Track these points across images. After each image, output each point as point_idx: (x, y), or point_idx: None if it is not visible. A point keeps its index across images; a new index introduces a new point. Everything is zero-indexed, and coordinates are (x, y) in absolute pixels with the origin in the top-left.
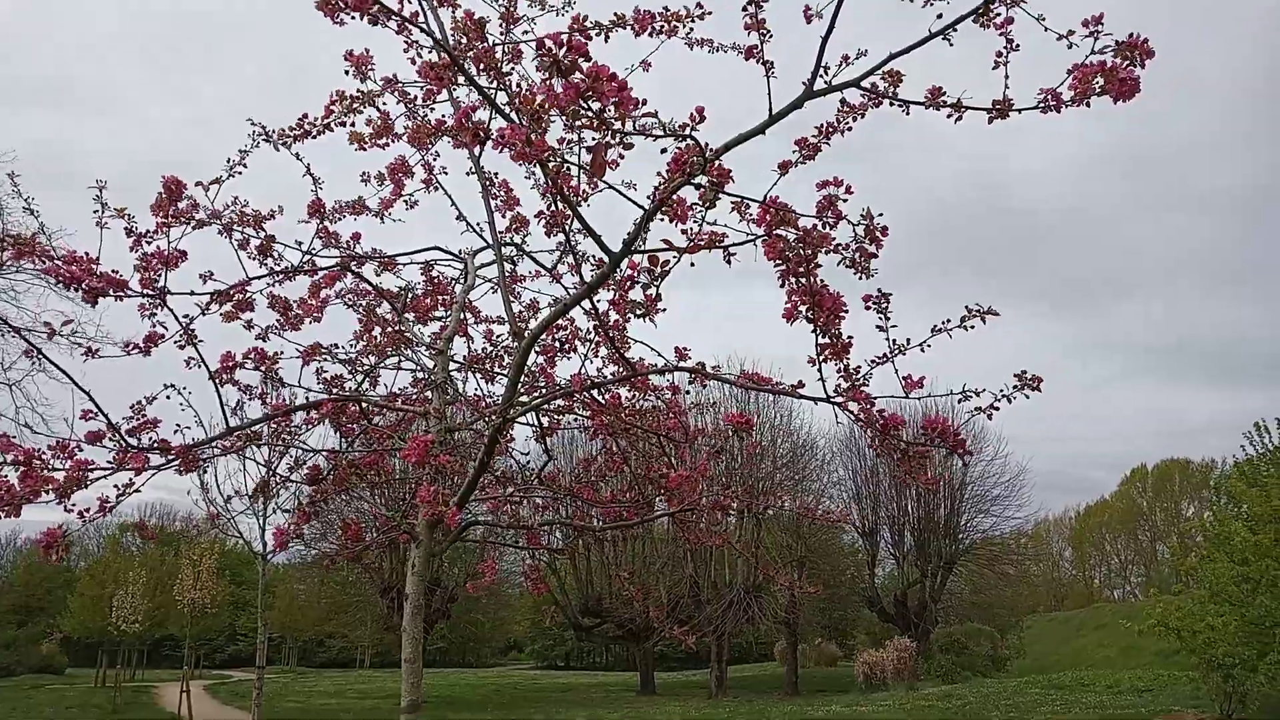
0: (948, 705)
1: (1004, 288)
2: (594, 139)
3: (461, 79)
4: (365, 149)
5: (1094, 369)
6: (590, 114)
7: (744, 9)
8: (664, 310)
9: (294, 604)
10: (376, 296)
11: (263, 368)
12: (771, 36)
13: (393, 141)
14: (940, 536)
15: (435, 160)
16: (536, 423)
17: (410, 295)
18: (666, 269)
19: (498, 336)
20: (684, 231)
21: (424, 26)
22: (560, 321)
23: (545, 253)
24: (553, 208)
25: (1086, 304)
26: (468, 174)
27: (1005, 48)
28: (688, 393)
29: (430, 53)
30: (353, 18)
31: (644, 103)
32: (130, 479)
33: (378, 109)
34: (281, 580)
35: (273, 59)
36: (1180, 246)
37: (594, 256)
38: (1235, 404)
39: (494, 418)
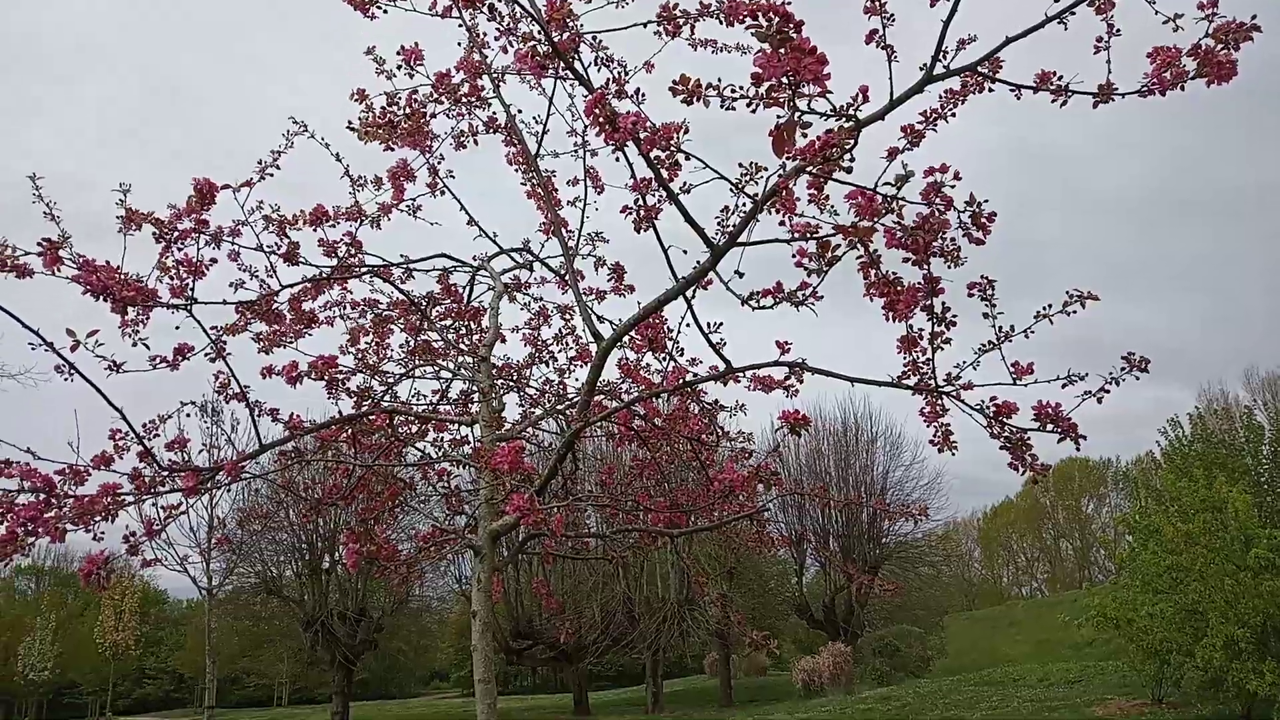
0: (888, 707)
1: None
2: (779, 117)
3: (561, 66)
4: (393, 147)
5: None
6: (787, 89)
7: None
8: (821, 299)
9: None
10: (393, 305)
11: (325, 378)
12: (894, 20)
13: (429, 141)
14: (864, 541)
15: (440, 163)
16: (564, 429)
17: (433, 304)
18: (836, 255)
19: (544, 342)
20: (782, 224)
21: (532, 12)
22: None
23: (555, 258)
24: (640, 202)
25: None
26: (521, 178)
27: (1107, 32)
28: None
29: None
30: (385, 10)
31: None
32: (181, 500)
33: (414, 108)
34: (193, 616)
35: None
36: (1077, 245)
37: (610, 261)
38: (1129, 400)
39: (572, 422)
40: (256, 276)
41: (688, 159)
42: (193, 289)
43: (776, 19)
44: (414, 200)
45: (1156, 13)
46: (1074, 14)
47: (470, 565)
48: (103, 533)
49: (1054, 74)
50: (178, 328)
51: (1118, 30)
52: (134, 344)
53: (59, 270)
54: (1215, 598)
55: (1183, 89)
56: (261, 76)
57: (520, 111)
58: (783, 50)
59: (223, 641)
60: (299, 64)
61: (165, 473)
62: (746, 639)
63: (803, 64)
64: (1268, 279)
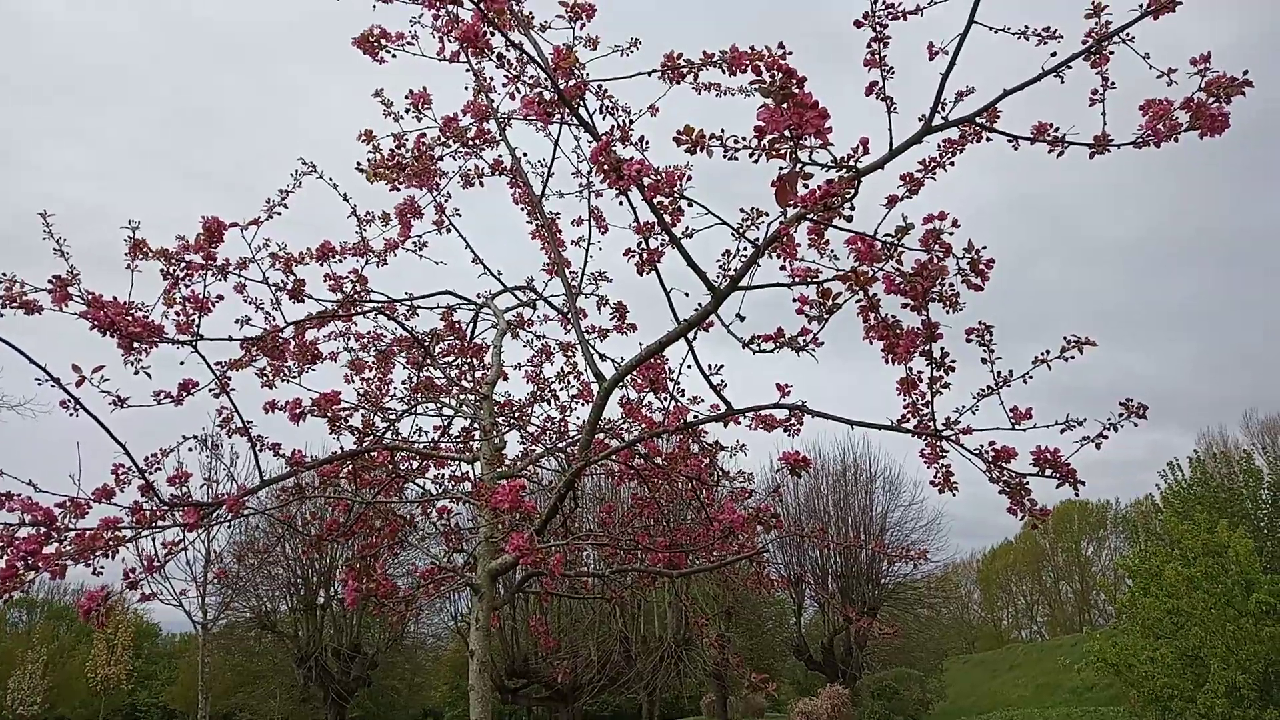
0: None
1: None
2: (781, 168)
3: (566, 112)
4: (399, 188)
5: (991, 414)
6: (789, 141)
7: (868, 45)
8: (821, 345)
9: (196, 677)
10: (396, 342)
11: (328, 415)
12: (893, 73)
13: (436, 180)
14: (863, 582)
15: (447, 201)
16: (565, 467)
17: (437, 340)
18: (837, 303)
19: (546, 380)
20: (783, 268)
21: (539, 61)
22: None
23: (558, 297)
24: (644, 246)
25: (980, 351)
26: (526, 218)
27: (1101, 85)
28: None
29: (516, 85)
30: (394, 55)
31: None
32: (180, 535)
33: (421, 150)
34: (185, 650)
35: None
36: (1075, 291)
37: (612, 300)
38: (1126, 444)
39: (572, 461)
40: (262, 309)
41: (690, 205)
42: (199, 325)
43: (780, 74)
44: (420, 237)
45: (1151, 67)
46: (1070, 68)
47: (467, 603)
48: (102, 568)
49: (1050, 125)
50: (182, 363)
51: (1112, 83)
52: (135, 372)
53: (66, 307)
54: (1216, 643)
55: (1176, 140)
56: (293, 100)
57: (526, 155)
58: (785, 105)
59: (215, 677)
60: (330, 89)
61: (166, 507)
62: (745, 680)
63: (805, 118)
64: (1264, 323)
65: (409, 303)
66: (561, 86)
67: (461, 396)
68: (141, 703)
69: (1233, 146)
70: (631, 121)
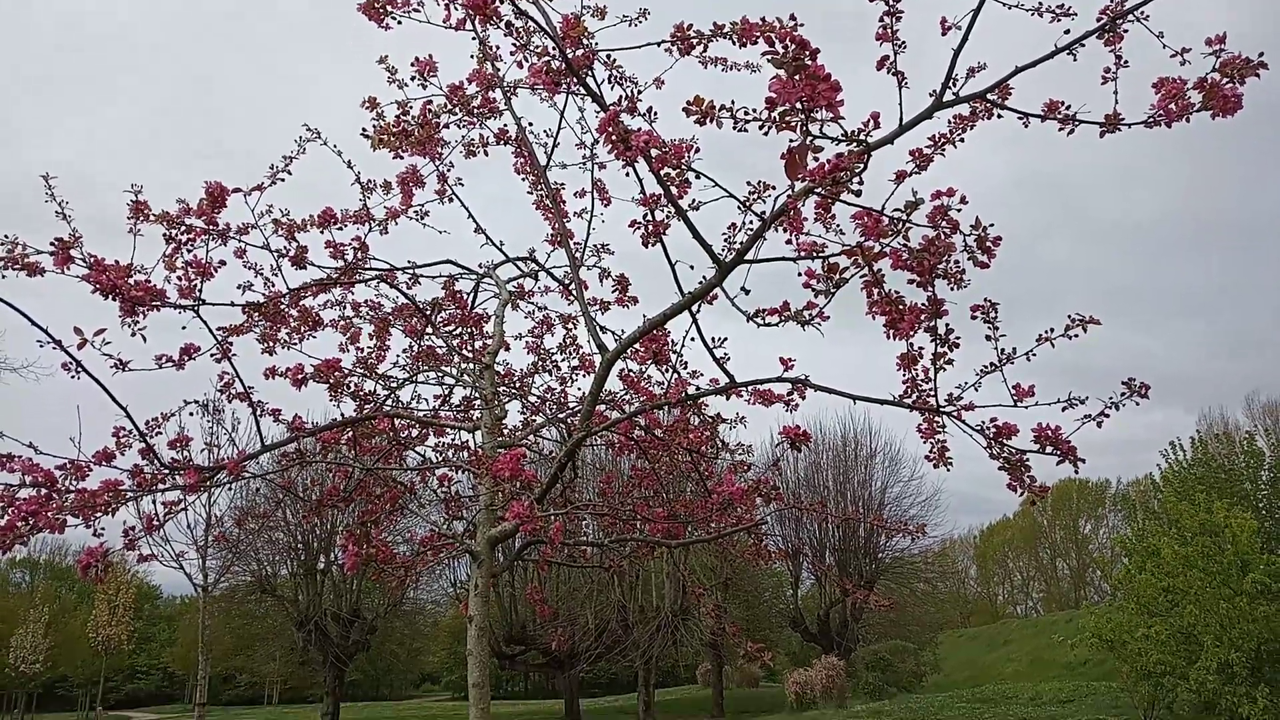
0: None
1: None
2: (791, 141)
3: (574, 82)
4: (402, 155)
5: (994, 391)
6: (800, 114)
7: (880, 20)
8: (828, 319)
9: (196, 639)
10: (397, 310)
11: (329, 381)
12: (905, 47)
13: (439, 148)
14: (861, 556)
15: (450, 170)
16: (565, 437)
17: (438, 309)
18: (844, 277)
19: (547, 351)
20: (789, 242)
21: (547, 29)
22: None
23: (559, 268)
24: (649, 218)
25: (985, 328)
26: (529, 189)
27: (1115, 63)
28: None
29: (528, 55)
30: (399, 21)
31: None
32: (180, 496)
33: (426, 118)
34: (186, 612)
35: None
36: (1084, 270)
37: (615, 272)
38: (1127, 423)
39: (576, 430)
40: (262, 275)
41: (698, 177)
42: (200, 290)
43: (794, 45)
44: (422, 206)
45: (1164, 46)
46: (1083, 46)
47: (466, 570)
48: (103, 528)
49: (1062, 103)
50: (184, 328)
51: (1125, 62)
52: (133, 334)
53: (69, 269)
54: (1210, 621)
55: (1188, 120)
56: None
57: (531, 124)
58: (798, 76)
59: (215, 639)
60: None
61: (167, 470)
62: (741, 650)
63: (817, 90)
64: (1272, 307)
65: (411, 271)
66: (570, 56)
67: (463, 366)
68: (141, 664)
69: (1245, 131)
70: (639, 92)
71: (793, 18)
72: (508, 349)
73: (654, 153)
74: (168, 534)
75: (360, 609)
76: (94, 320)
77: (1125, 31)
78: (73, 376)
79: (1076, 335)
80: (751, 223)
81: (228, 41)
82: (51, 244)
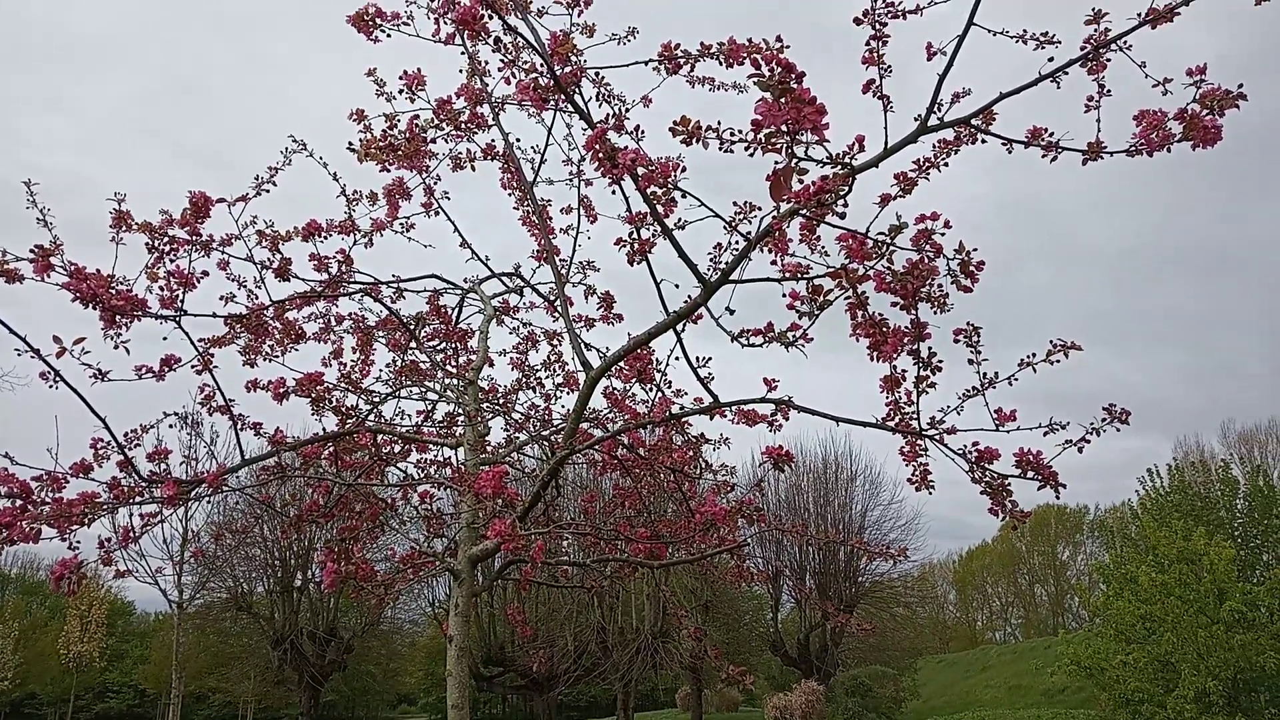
0: None
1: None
2: (776, 163)
3: (561, 98)
4: (389, 169)
5: (976, 415)
6: (786, 136)
7: (866, 43)
8: (811, 340)
9: (170, 656)
10: (380, 324)
11: (311, 395)
12: (891, 72)
13: (426, 161)
14: (841, 579)
15: (436, 184)
16: (548, 455)
17: (422, 324)
18: (828, 299)
19: (531, 367)
20: (774, 263)
21: (535, 45)
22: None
23: (545, 284)
24: (635, 236)
25: (968, 351)
26: (515, 204)
27: (1098, 92)
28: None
29: (513, 71)
30: (389, 34)
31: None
32: (157, 509)
33: (413, 132)
34: (159, 629)
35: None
36: (1065, 296)
37: (600, 289)
38: (1106, 450)
39: (559, 449)
40: (245, 287)
41: (684, 196)
42: (182, 301)
43: (780, 69)
44: (408, 219)
45: (1147, 76)
46: (1067, 73)
47: (445, 589)
48: (78, 541)
49: (1045, 130)
50: (165, 338)
51: (1108, 90)
52: (115, 346)
53: (48, 277)
54: (1188, 649)
55: (1169, 150)
56: (285, 76)
57: (519, 140)
58: (783, 100)
59: (189, 657)
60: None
61: (145, 483)
62: (722, 674)
63: (803, 114)
64: (1248, 335)
65: (395, 285)
66: (558, 72)
67: (446, 381)
68: (113, 681)
69: (1227, 158)
70: (627, 110)
71: (779, 39)
72: (492, 365)
73: (641, 171)
74: (144, 549)
75: (337, 627)
76: (77, 329)
77: (1108, 60)
78: (51, 386)
79: (1058, 360)
80: (737, 243)
81: (214, 39)
82: (31, 251)
